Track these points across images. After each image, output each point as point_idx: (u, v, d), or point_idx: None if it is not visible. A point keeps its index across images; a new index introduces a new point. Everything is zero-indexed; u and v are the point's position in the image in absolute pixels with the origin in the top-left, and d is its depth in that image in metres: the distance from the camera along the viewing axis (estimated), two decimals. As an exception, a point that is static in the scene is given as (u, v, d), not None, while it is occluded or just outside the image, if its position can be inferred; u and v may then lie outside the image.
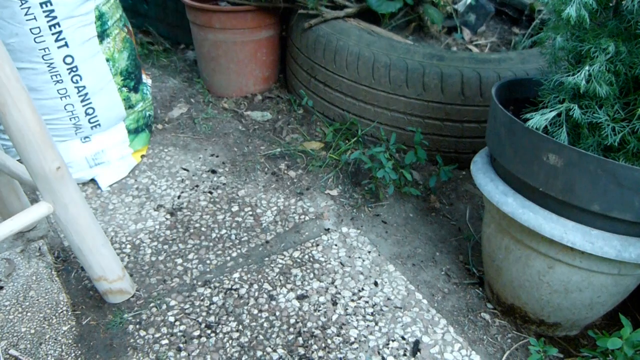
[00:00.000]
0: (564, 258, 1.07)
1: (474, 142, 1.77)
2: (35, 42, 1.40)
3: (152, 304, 1.32)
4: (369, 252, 1.50)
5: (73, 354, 1.20)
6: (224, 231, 1.56)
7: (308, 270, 1.43)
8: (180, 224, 1.57)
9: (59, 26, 1.41)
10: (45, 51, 1.43)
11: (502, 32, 2.23)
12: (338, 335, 1.26)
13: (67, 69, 1.49)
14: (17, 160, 1.41)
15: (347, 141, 1.91)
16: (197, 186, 1.73)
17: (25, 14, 1.35)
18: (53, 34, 1.41)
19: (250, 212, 1.63)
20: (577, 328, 1.27)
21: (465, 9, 2.17)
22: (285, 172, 1.83)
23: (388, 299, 1.36)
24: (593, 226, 1.00)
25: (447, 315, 1.33)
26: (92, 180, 1.73)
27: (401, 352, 1.22)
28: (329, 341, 1.24)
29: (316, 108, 2.04)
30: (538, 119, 1.02)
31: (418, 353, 1.22)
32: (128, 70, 1.69)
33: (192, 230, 1.55)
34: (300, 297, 1.35)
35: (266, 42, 2.15)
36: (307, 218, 1.62)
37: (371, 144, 1.91)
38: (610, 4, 1.02)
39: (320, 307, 1.33)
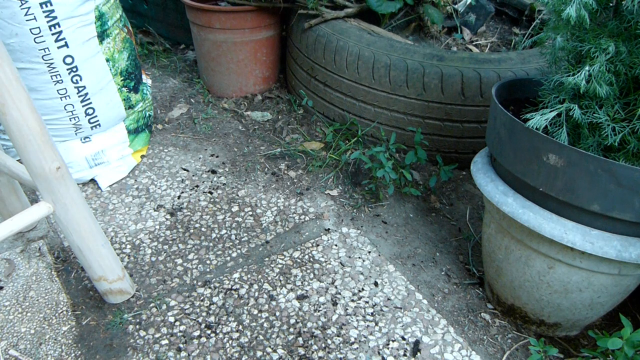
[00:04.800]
0: (564, 258, 1.07)
1: (474, 142, 1.77)
2: (35, 42, 1.40)
3: (152, 304, 1.32)
4: (369, 252, 1.50)
5: (73, 354, 1.20)
6: (224, 231, 1.56)
7: (308, 271, 1.43)
8: (180, 224, 1.57)
9: (59, 26, 1.41)
10: (45, 51, 1.43)
11: (502, 32, 2.23)
12: (338, 336, 1.26)
13: (67, 69, 1.49)
14: (17, 160, 1.41)
15: (347, 141, 1.91)
16: (197, 186, 1.73)
17: (25, 14, 1.35)
18: (53, 34, 1.41)
19: (250, 212, 1.63)
20: (577, 328, 1.27)
21: (465, 9, 2.17)
22: (285, 172, 1.82)
23: (388, 299, 1.36)
24: (593, 226, 1.00)
25: (447, 315, 1.33)
26: (92, 181, 1.73)
27: (401, 352, 1.22)
28: (329, 341, 1.24)
29: (316, 108, 2.04)
30: (538, 119, 1.02)
31: (418, 353, 1.22)
32: (128, 70, 1.69)
33: (192, 231, 1.55)
34: (300, 298, 1.35)
35: (266, 42, 2.15)
36: (307, 218, 1.62)
37: (371, 144, 1.90)
38: (610, 4, 1.02)
39: (320, 307, 1.33)
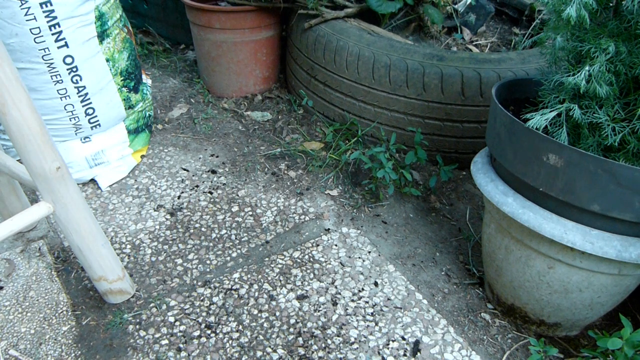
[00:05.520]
0: (564, 258, 1.07)
1: (474, 142, 1.77)
2: (35, 42, 1.40)
3: (152, 304, 1.32)
4: (369, 252, 1.50)
5: (73, 354, 1.20)
6: (224, 231, 1.56)
7: (308, 271, 1.43)
8: (180, 224, 1.57)
9: (59, 26, 1.41)
10: (45, 51, 1.43)
11: (502, 32, 2.23)
12: (338, 336, 1.26)
13: (67, 69, 1.49)
14: (17, 160, 1.41)
15: (347, 141, 1.91)
16: (197, 186, 1.73)
17: (25, 14, 1.35)
18: (53, 34, 1.41)
19: (250, 212, 1.63)
20: (577, 328, 1.27)
21: (465, 9, 2.17)
22: (285, 172, 1.82)
23: (388, 299, 1.36)
24: (593, 226, 1.00)
25: (447, 315, 1.33)
26: (92, 181, 1.73)
27: (401, 352, 1.22)
28: (329, 341, 1.24)
29: (316, 108, 2.04)
30: (538, 119, 1.02)
31: (418, 353, 1.22)
32: (128, 70, 1.69)
33: (192, 231, 1.55)
34: (300, 298, 1.35)
35: (266, 42, 2.15)
36: (307, 218, 1.62)
37: (371, 144, 1.90)
38: (610, 4, 1.02)
39: (320, 307, 1.33)
